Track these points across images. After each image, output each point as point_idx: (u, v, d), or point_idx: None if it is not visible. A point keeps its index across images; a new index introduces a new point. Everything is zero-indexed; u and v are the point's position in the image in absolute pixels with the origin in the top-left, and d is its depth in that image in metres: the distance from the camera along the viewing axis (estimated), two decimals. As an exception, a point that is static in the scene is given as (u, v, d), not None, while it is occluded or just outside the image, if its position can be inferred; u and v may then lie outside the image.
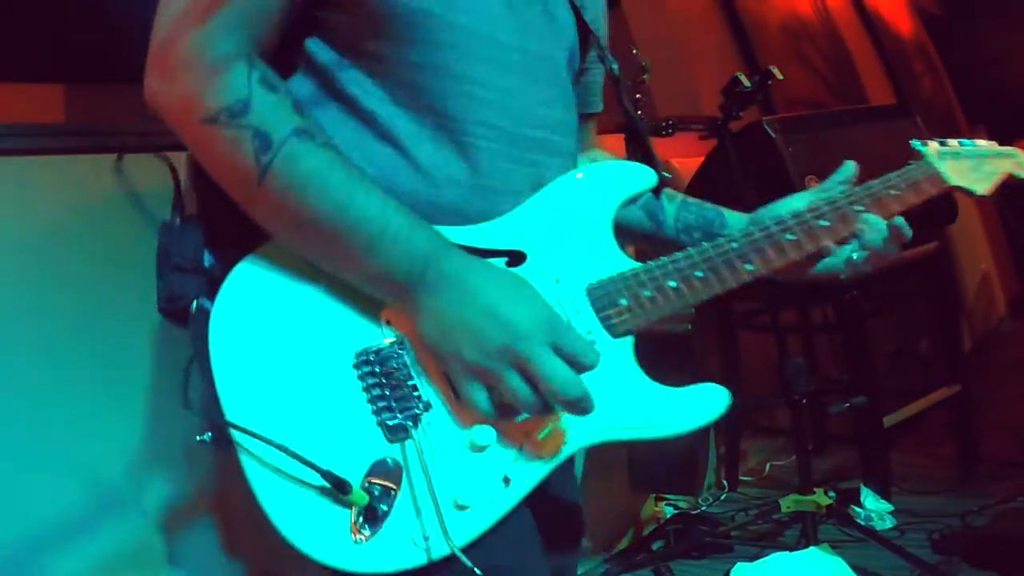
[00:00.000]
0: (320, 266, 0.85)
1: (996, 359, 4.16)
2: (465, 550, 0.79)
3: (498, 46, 0.91)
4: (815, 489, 2.21)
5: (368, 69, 0.88)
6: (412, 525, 0.80)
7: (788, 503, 2.23)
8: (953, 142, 1.16)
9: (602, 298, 0.90)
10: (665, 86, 2.99)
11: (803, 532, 2.17)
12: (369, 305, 0.85)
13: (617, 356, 0.90)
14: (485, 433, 0.82)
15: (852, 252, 1.01)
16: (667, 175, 1.02)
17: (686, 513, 2.53)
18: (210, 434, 0.83)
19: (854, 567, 1.95)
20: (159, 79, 0.81)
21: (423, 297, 0.81)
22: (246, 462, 0.79)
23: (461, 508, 0.81)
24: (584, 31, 1.04)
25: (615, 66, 1.08)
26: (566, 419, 0.85)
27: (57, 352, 1.37)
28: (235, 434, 0.80)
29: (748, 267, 0.94)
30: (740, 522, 2.47)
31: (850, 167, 1.07)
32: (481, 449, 0.82)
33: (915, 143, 1.14)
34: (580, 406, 0.79)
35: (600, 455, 2.21)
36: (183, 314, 0.87)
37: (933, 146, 1.14)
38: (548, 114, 0.97)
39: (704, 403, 0.90)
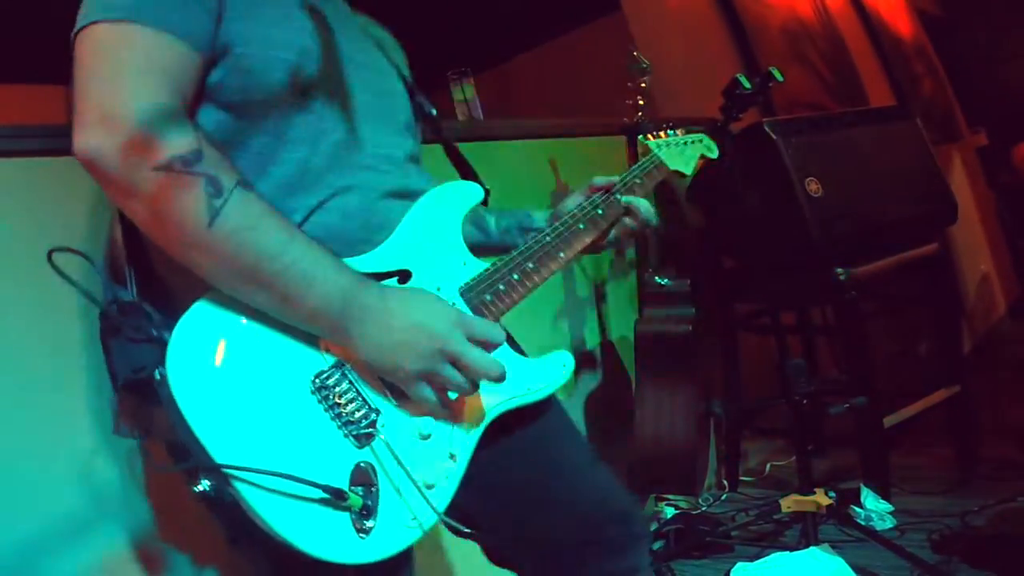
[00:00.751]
0: (261, 307, 0.93)
1: (996, 360, 4.16)
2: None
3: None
4: (815, 489, 2.22)
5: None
6: (400, 509, 0.96)
7: (788, 503, 2.23)
8: (663, 134, 1.54)
9: (472, 297, 1.11)
10: (665, 87, 2.99)
11: (803, 532, 2.17)
12: (307, 335, 0.97)
13: None
14: (427, 423, 1.01)
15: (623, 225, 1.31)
16: (488, 187, 1.24)
17: (686, 513, 2.54)
18: (206, 482, 0.88)
19: (854, 567, 1.95)
20: (103, 131, 0.85)
21: (353, 327, 0.94)
22: (248, 495, 0.87)
23: (429, 487, 0.99)
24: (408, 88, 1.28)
25: (433, 110, 1.33)
26: (476, 400, 1.06)
27: (60, 352, 1.38)
28: (232, 472, 0.86)
29: (561, 254, 1.21)
30: (740, 522, 2.47)
31: (605, 178, 1.34)
32: (428, 437, 1.01)
33: (641, 139, 1.51)
34: (502, 378, 1.00)
35: (600, 456, 2.21)
36: (147, 384, 0.90)
37: (653, 140, 1.51)
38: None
39: (559, 365, 1.15)
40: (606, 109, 2.65)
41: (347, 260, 0.99)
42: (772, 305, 2.72)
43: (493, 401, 1.08)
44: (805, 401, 2.24)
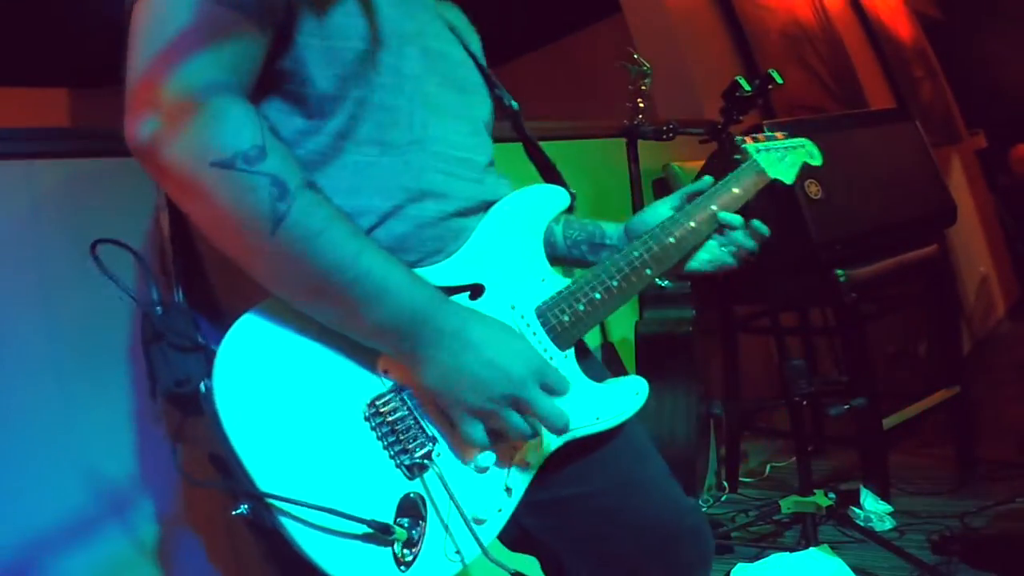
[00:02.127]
0: (322, 320, 0.86)
1: (995, 361, 4.16)
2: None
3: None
4: (815, 490, 2.22)
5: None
6: (444, 543, 0.89)
7: (788, 504, 2.24)
8: (761, 136, 1.35)
9: (550, 319, 1.02)
10: (666, 90, 3.00)
11: (803, 533, 2.18)
12: (364, 355, 0.90)
13: (567, 367, 1.04)
14: (487, 456, 0.93)
15: (718, 248, 1.20)
16: (574, 191, 1.14)
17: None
18: (246, 507, 0.83)
19: (854, 568, 1.96)
20: (156, 119, 0.77)
21: (423, 348, 0.86)
22: (289, 525, 0.81)
23: (479, 522, 0.92)
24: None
25: (515, 103, 1.21)
26: (540, 435, 0.96)
27: (61, 354, 1.37)
28: (274, 503, 0.81)
29: (648, 271, 1.10)
30: (741, 523, 2.48)
31: (707, 180, 1.22)
32: (484, 470, 0.94)
33: (737, 139, 1.32)
34: (565, 431, 0.93)
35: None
36: (192, 398, 0.85)
37: (752, 144, 1.32)
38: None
39: (632, 393, 1.06)
40: (606, 111, 2.65)
41: (416, 271, 0.91)
42: (772, 306, 2.71)
43: (557, 437, 1.00)
44: (805, 402, 2.25)
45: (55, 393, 1.35)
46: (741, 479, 2.88)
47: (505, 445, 0.95)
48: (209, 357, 0.84)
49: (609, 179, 2.60)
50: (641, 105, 2.39)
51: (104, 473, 1.39)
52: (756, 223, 1.19)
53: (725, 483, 2.85)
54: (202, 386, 0.83)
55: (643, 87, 2.40)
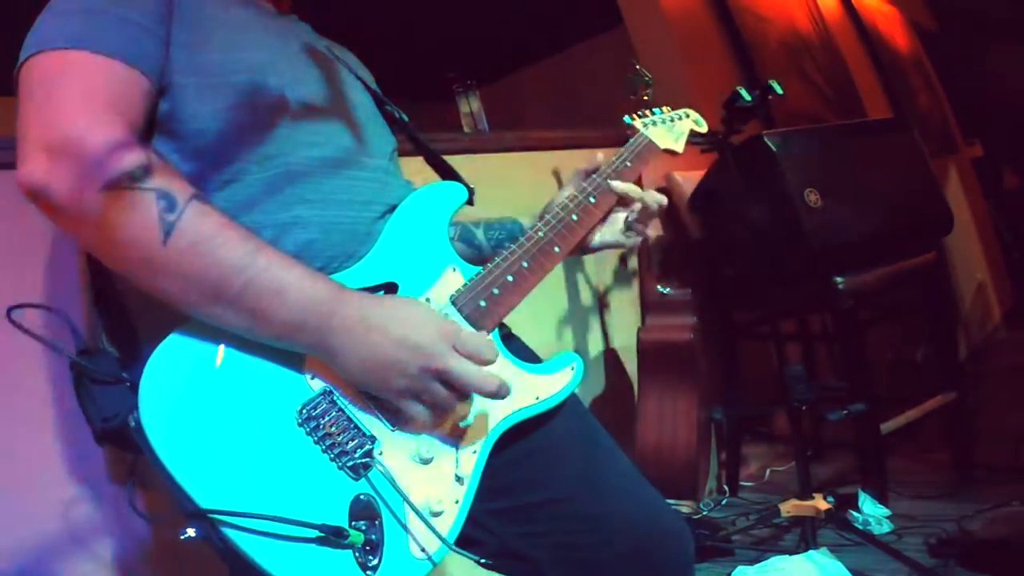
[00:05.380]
0: (234, 330, 0.86)
1: (991, 367, 4.17)
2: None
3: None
4: (814, 494, 2.24)
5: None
6: (405, 542, 0.88)
7: (788, 508, 2.25)
8: (647, 112, 1.44)
9: (465, 304, 1.03)
10: (667, 100, 3.02)
11: (802, 536, 2.20)
12: (290, 362, 0.89)
13: None
14: (427, 446, 0.93)
15: (625, 219, 1.24)
16: (472, 187, 1.18)
17: (688, 518, 2.56)
18: (193, 529, 0.80)
19: (852, 570, 1.97)
20: (46, 160, 0.81)
21: (335, 341, 0.87)
22: (240, 540, 0.79)
23: (436, 515, 0.91)
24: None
25: (404, 115, 1.26)
26: (480, 415, 0.97)
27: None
28: (219, 519, 0.79)
29: (556, 249, 1.13)
30: (741, 526, 2.48)
31: (596, 157, 1.27)
32: (429, 460, 0.93)
33: (626, 118, 1.39)
34: (500, 392, 0.91)
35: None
36: (122, 433, 0.84)
37: (639, 121, 1.40)
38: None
39: (566, 368, 1.07)
40: (608, 121, 2.67)
41: (332, 277, 0.93)
42: (772, 313, 2.72)
43: (498, 415, 0.99)
44: (804, 407, 2.26)
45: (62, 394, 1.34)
46: (741, 483, 2.88)
47: (447, 431, 0.94)
48: (134, 389, 0.83)
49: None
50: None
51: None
52: (652, 192, 1.24)
53: (726, 487, 2.86)
54: (131, 420, 0.82)
55: (645, 97, 2.42)
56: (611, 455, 1.14)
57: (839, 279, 2.42)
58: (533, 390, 1.03)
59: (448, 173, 1.25)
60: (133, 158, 0.82)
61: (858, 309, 2.51)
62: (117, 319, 0.94)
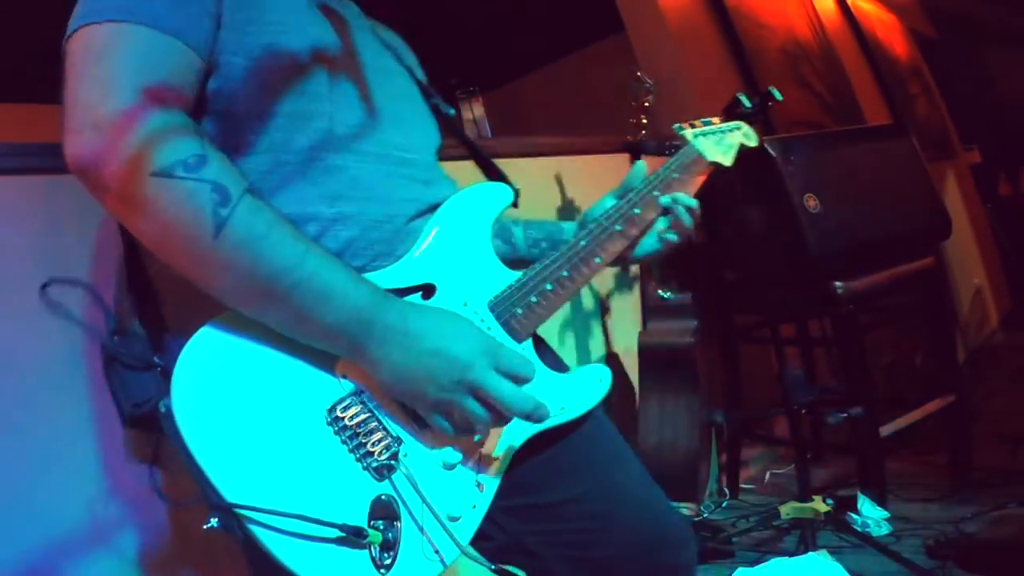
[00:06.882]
0: (274, 326, 0.85)
1: (989, 370, 4.19)
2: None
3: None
4: (814, 496, 2.28)
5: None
6: (421, 543, 0.88)
7: (787, 510, 2.28)
8: (698, 123, 1.38)
9: (503, 312, 1.02)
10: (669, 106, 3.03)
11: (802, 538, 2.22)
12: (322, 360, 0.89)
13: (528, 357, 1.00)
14: (451, 452, 0.93)
15: (661, 230, 1.21)
16: (518, 187, 1.15)
17: (689, 520, 2.57)
18: (216, 520, 0.81)
19: (851, 572, 1.98)
20: (95, 137, 0.77)
21: (373, 348, 0.86)
22: (262, 535, 0.80)
23: (454, 519, 0.92)
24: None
25: (451, 109, 1.23)
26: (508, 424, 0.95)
27: (78, 364, 1.35)
28: (243, 513, 0.80)
29: (597, 259, 1.11)
30: (741, 528, 2.49)
31: (641, 166, 1.23)
32: (452, 467, 0.93)
33: (676, 127, 1.35)
34: (536, 415, 0.90)
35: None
36: (151, 418, 0.84)
37: (689, 130, 1.35)
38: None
39: (595, 380, 1.07)
40: (610, 127, 2.69)
41: (366, 275, 0.91)
42: (772, 317, 2.73)
43: (523, 425, 0.99)
44: (804, 411, 2.29)
45: (52, 410, 1.33)
46: (742, 485, 2.90)
47: (472, 439, 0.94)
48: (166, 375, 0.82)
49: (613, 193, 2.64)
50: (644, 121, 2.42)
51: (89, 499, 1.36)
52: (692, 200, 1.21)
53: (726, 489, 2.87)
54: (161, 406, 0.81)
55: (646, 103, 2.44)
56: (624, 457, 1.15)
57: (838, 283, 2.44)
58: (560, 400, 1.02)
59: (493, 172, 1.22)
60: (188, 145, 0.80)
61: (857, 313, 2.52)
62: (147, 301, 0.92)
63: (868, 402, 2.48)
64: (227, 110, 0.91)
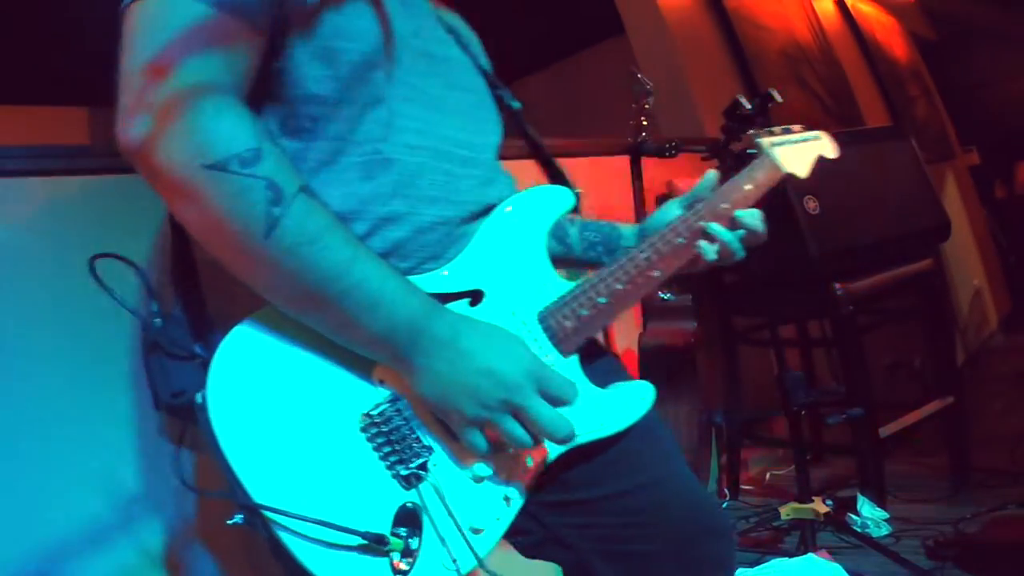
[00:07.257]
0: (319, 330, 0.84)
1: (988, 372, 4.20)
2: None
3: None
4: (813, 497, 2.27)
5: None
6: (440, 554, 0.87)
7: (787, 511, 2.27)
8: (777, 130, 1.31)
9: (552, 324, 0.98)
10: (668, 109, 3.04)
11: (802, 539, 2.22)
12: (360, 365, 0.87)
13: (572, 374, 0.99)
14: (484, 467, 0.91)
15: (726, 240, 1.11)
16: (579, 191, 1.10)
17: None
18: (241, 516, 0.81)
19: (851, 572, 1.98)
20: (150, 119, 0.75)
21: (419, 359, 0.84)
22: (285, 537, 0.80)
23: (476, 532, 0.90)
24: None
25: (516, 102, 1.16)
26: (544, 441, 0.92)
27: (82, 367, 1.37)
28: (269, 515, 0.79)
29: (656, 273, 1.05)
30: (741, 529, 2.48)
31: (712, 176, 1.17)
32: (481, 480, 0.91)
33: (752, 134, 1.27)
34: (567, 440, 0.88)
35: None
36: (189, 409, 0.83)
37: (766, 139, 1.27)
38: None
39: (638, 399, 1.02)
40: (610, 129, 2.70)
41: (413, 279, 0.88)
42: (771, 319, 2.73)
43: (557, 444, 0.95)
44: (804, 412, 2.28)
45: (67, 402, 1.34)
46: (742, 486, 2.89)
47: (504, 454, 0.91)
48: (205, 367, 0.81)
49: (613, 196, 2.65)
50: (644, 123, 2.42)
51: (114, 484, 1.38)
52: (759, 213, 1.15)
53: (726, 490, 2.86)
54: (198, 397, 0.81)
55: (646, 106, 2.44)
56: (669, 451, 1.11)
57: (837, 285, 2.44)
58: (599, 417, 0.99)
59: (555, 174, 1.16)
60: (244, 137, 0.77)
61: (857, 314, 2.52)
62: (190, 286, 0.90)
63: (868, 403, 2.48)
64: (289, 93, 0.88)
